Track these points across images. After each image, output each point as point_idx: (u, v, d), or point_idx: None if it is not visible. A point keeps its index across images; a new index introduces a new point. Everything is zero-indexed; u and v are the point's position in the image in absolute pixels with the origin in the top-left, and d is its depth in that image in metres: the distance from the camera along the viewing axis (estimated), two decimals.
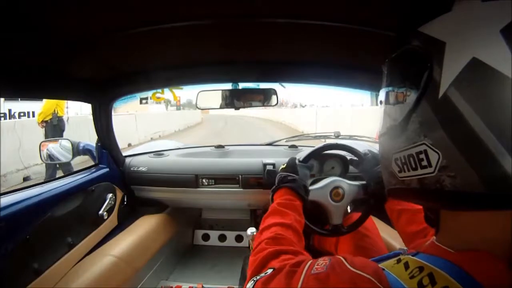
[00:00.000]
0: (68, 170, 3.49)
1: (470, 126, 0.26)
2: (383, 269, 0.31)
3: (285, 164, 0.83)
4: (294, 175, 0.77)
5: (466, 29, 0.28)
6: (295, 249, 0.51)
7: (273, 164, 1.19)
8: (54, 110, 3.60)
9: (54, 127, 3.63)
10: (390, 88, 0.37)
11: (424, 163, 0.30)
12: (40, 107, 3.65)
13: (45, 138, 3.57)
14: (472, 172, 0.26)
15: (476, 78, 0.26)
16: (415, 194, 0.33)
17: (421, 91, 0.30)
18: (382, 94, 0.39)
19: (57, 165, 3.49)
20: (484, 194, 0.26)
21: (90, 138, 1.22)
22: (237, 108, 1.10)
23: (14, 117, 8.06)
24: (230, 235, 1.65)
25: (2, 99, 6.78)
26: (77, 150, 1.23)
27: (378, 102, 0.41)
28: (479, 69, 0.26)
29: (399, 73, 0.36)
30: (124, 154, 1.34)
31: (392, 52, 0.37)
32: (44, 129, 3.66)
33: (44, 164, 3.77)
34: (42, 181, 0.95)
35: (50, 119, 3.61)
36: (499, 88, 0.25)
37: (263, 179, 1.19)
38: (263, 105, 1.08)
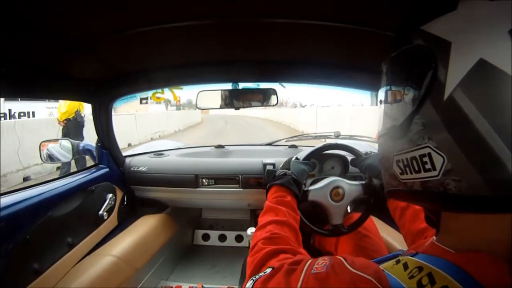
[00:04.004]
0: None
1: (477, 129, 0.25)
2: (383, 270, 0.31)
3: (283, 164, 0.84)
4: (286, 171, 0.78)
5: (472, 28, 0.27)
6: (293, 248, 0.51)
7: (273, 164, 1.19)
8: (77, 109, 3.87)
9: (77, 124, 3.94)
10: (391, 88, 0.37)
11: (428, 166, 0.29)
12: (63, 106, 3.88)
13: (66, 135, 3.92)
14: (478, 176, 0.26)
15: (483, 79, 0.25)
16: (418, 196, 0.32)
17: (425, 92, 0.29)
18: (382, 94, 0.38)
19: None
20: (490, 197, 0.26)
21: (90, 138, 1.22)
22: (237, 108, 1.10)
23: (14, 117, 8.05)
24: (230, 235, 1.65)
25: (2, 99, 6.77)
26: (77, 150, 1.23)
27: (378, 102, 0.40)
28: (486, 70, 0.25)
29: (400, 72, 0.35)
30: (124, 154, 1.34)
31: (392, 51, 0.36)
32: (64, 126, 3.95)
33: (43, 164, 3.86)
34: (42, 181, 0.95)
35: (74, 117, 3.90)
36: (506, 90, 0.24)
37: (263, 179, 1.19)
38: (263, 105, 1.08)
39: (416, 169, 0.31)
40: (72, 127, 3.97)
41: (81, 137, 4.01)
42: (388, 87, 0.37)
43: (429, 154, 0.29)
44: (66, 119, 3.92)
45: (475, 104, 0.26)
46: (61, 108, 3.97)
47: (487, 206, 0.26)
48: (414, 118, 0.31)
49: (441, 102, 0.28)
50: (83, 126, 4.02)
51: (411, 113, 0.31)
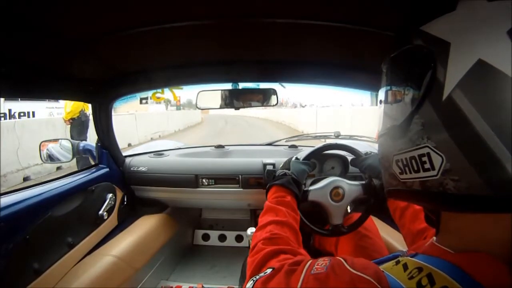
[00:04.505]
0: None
1: (475, 129, 0.25)
2: (383, 271, 0.31)
3: (283, 164, 0.84)
4: (286, 171, 0.78)
5: (471, 29, 0.27)
6: (293, 248, 0.51)
7: (273, 164, 1.19)
8: (82, 108, 4.06)
9: (81, 123, 4.13)
10: (391, 88, 0.37)
11: (427, 166, 0.29)
12: (68, 106, 4.10)
13: (71, 134, 4.14)
14: (476, 176, 0.26)
15: (482, 80, 0.25)
16: (417, 196, 0.32)
17: (424, 92, 0.29)
18: (381, 94, 0.38)
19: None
20: (489, 197, 0.26)
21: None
22: (237, 108, 1.10)
23: (14, 117, 8.05)
24: (230, 235, 1.66)
25: (2, 99, 6.78)
26: (77, 150, 1.23)
27: (378, 102, 0.40)
28: (485, 71, 0.25)
29: (400, 72, 0.35)
30: (124, 154, 1.34)
31: (392, 51, 0.36)
32: (70, 125, 4.18)
33: (43, 164, 3.88)
34: (42, 181, 0.95)
35: (78, 116, 4.10)
36: (505, 91, 0.24)
37: (263, 179, 1.19)
38: (263, 105, 1.08)
39: (415, 168, 0.31)
40: (77, 126, 4.15)
41: (84, 136, 4.12)
42: (388, 87, 0.37)
43: (428, 154, 0.29)
44: (71, 119, 4.11)
45: (474, 104, 0.26)
46: (66, 107, 4.17)
47: (486, 206, 0.26)
48: (414, 118, 0.31)
49: (440, 102, 0.28)
50: (87, 126, 4.14)
51: (411, 113, 0.31)
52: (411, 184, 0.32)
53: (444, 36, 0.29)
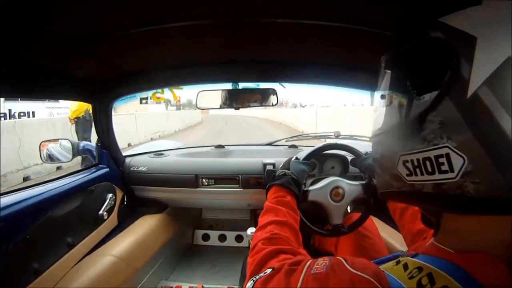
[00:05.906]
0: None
1: (502, 128, 0.24)
2: (383, 271, 0.31)
3: (283, 164, 0.84)
4: (286, 171, 0.78)
5: (500, 25, 0.25)
6: (293, 248, 0.51)
7: (273, 164, 1.19)
8: (87, 108, 4.23)
9: (86, 122, 4.33)
10: (400, 83, 0.34)
11: (445, 167, 0.27)
12: (74, 105, 4.33)
13: (76, 132, 4.36)
14: (500, 178, 0.25)
15: (511, 78, 0.24)
16: (424, 198, 0.31)
17: (444, 89, 0.27)
18: (384, 89, 0.37)
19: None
20: (510, 200, 0.25)
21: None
22: (237, 108, 1.10)
23: (14, 117, 8.06)
24: (230, 235, 1.66)
25: (2, 99, 6.79)
26: (77, 150, 1.23)
27: (379, 97, 0.38)
28: None
29: (413, 67, 0.33)
30: (124, 154, 1.34)
31: (403, 44, 0.34)
32: (75, 124, 4.40)
33: (43, 164, 3.94)
34: (42, 181, 0.95)
35: (83, 115, 4.31)
36: None
37: (263, 179, 1.19)
38: (263, 105, 1.08)
39: (429, 170, 0.29)
40: (82, 125, 4.33)
41: (88, 134, 4.23)
42: (396, 82, 0.35)
43: (447, 154, 0.27)
44: (76, 117, 4.29)
45: (502, 103, 0.24)
46: (72, 107, 4.36)
47: (506, 209, 0.26)
48: (429, 115, 0.28)
49: (464, 100, 0.26)
50: (91, 124, 4.19)
51: (425, 110, 0.29)
52: (421, 186, 0.30)
53: (469, 30, 0.27)
